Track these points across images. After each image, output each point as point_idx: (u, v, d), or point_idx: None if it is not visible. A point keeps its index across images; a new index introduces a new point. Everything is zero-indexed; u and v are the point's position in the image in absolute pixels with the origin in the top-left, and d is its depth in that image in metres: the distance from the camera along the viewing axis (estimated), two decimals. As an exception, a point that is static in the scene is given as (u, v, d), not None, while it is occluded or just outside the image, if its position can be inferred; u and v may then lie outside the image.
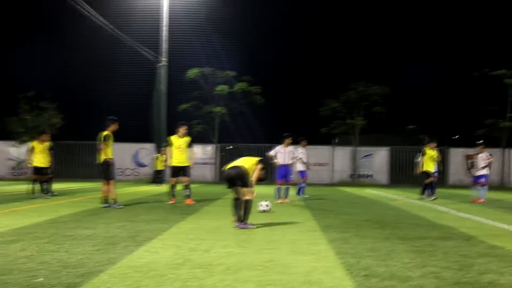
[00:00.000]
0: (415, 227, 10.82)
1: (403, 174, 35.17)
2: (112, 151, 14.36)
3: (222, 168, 10.52)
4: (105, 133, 14.23)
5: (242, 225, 9.98)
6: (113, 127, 14.40)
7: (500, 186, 32.47)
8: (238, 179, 10.06)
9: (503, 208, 16.20)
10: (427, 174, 19.71)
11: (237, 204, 10.13)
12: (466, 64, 41.09)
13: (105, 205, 14.12)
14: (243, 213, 10.06)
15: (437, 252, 7.71)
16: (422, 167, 19.83)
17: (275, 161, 17.47)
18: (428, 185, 19.86)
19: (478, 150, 18.78)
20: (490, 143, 21.73)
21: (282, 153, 17.37)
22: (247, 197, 10.05)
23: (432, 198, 19.25)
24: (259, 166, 10.30)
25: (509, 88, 34.57)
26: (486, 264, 6.87)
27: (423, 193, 20.21)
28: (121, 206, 14.08)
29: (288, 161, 17.44)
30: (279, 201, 16.95)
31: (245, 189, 10.05)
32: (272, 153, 17.79)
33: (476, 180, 18.86)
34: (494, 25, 44.21)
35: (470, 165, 19.65)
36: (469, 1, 48.11)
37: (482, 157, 18.51)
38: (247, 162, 10.30)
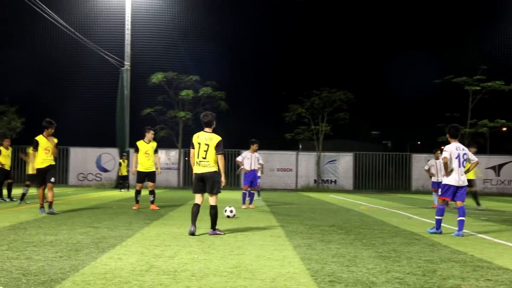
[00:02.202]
0: (379, 232, 10.91)
1: (367, 180, 35.53)
2: (44, 156, 13.77)
3: (194, 167, 10.00)
4: (37, 138, 13.83)
5: (212, 232, 9.90)
6: (49, 130, 13.86)
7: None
8: (210, 184, 9.83)
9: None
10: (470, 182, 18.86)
11: (195, 210, 9.94)
12: (429, 71, 41.75)
13: (50, 210, 13.66)
14: (212, 220, 9.95)
15: (401, 257, 7.78)
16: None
17: (242, 166, 17.50)
18: (473, 193, 18.67)
19: (434, 156, 19.12)
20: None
21: (249, 159, 17.41)
22: (213, 203, 9.95)
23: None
24: (221, 156, 9.96)
25: (470, 95, 35.25)
26: (449, 269, 6.96)
27: (478, 203, 18.84)
28: (45, 212, 13.56)
29: (255, 166, 17.47)
30: (244, 206, 16.94)
31: (214, 196, 9.95)
32: (239, 158, 17.85)
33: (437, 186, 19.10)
34: (454, 32, 45.06)
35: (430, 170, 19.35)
36: (429, 10, 48.93)
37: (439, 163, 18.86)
38: (213, 154, 9.86)
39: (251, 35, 49.51)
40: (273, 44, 57.30)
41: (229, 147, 35.10)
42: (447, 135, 11.21)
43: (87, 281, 5.82)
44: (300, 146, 46.63)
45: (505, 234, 11.20)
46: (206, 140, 9.92)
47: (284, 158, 34.86)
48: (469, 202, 20.52)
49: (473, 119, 35.45)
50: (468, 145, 18.92)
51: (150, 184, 15.90)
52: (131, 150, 17.81)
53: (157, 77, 34.27)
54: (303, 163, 35.38)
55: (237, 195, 25.29)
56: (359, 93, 38.96)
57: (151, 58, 35.88)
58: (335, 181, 35.37)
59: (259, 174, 20.79)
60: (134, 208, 15.48)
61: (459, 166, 10.75)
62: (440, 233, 10.72)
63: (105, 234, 9.74)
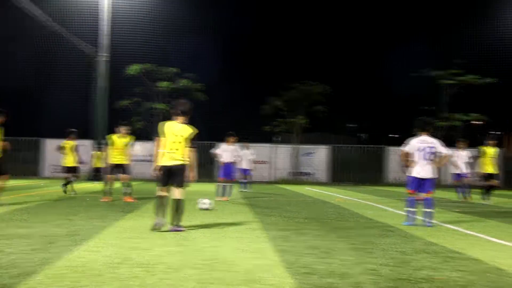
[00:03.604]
0: (354, 224, 11.01)
1: (343, 172, 35.73)
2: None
3: (162, 160, 9.34)
4: None
5: (172, 228, 9.22)
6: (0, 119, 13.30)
7: (436, 185, 33.38)
8: (177, 177, 9.28)
9: (437, 205, 16.66)
10: (489, 175, 18.21)
11: (164, 203, 9.31)
12: (406, 65, 42.05)
13: None
14: (176, 214, 9.29)
15: (375, 249, 7.86)
16: (481, 168, 18.24)
17: (220, 159, 17.54)
18: (488, 186, 18.32)
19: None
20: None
21: (226, 151, 17.46)
22: (180, 197, 9.38)
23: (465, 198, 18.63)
24: (194, 150, 9.47)
25: (445, 89, 35.62)
26: (422, 260, 7.05)
27: (484, 197, 18.39)
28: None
29: (232, 159, 17.53)
30: (218, 198, 16.92)
31: (181, 189, 9.38)
32: (217, 151, 17.89)
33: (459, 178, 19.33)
34: (430, 27, 45.43)
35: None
36: (406, 4, 49.26)
37: None
38: (185, 147, 9.33)
39: (230, 27, 49.34)
40: (251, 37, 57.19)
41: (206, 140, 35.03)
42: (416, 128, 11.30)
43: (60, 274, 5.78)
44: (277, 139, 46.69)
45: (476, 225, 11.37)
46: (180, 131, 9.32)
47: (261, 150, 34.86)
48: (435, 193, 20.71)
49: (447, 113, 35.85)
50: (457, 140, 19.20)
51: (124, 176, 15.80)
52: (109, 142, 17.65)
53: (134, 69, 34.04)
54: (280, 156, 35.45)
55: (212, 187, 25.26)
56: (337, 86, 39.10)
57: (129, 50, 35.64)
58: (311, 174, 35.51)
59: (249, 166, 21.37)
60: (105, 200, 15.35)
61: (422, 159, 10.85)
62: (412, 225, 10.80)
63: (79, 226, 9.67)
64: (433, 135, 11.52)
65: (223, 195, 17.18)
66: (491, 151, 18.19)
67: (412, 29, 49.34)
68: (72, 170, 18.82)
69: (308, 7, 57.21)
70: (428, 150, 10.90)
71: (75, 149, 18.98)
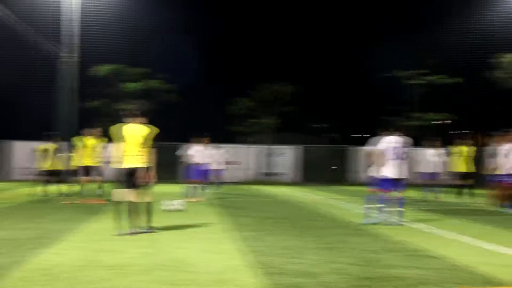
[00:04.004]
0: (325, 224, 11.08)
1: (315, 173, 35.91)
2: None
3: (123, 161, 9.18)
4: None
5: (145, 230, 9.18)
6: None
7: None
8: (141, 179, 9.13)
9: (406, 205, 16.85)
10: (466, 174, 18.33)
11: (134, 209, 9.12)
12: (376, 64, 42.46)
13: None
14: (146, 217, 9.24)
15: (345, 248, 7.93)
16: (456, 167, 18.31)
17: (192, 160, 17.50)
18: (461, 185, 18.39)
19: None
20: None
21: (200, 152, 17.43)
22: (148, 199, 9.31)
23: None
24: (152, 149, 9.27)
25: (414, 89, 36.06)
26: (392, 259, 7.14)
27: (469, 196, 18.32)
28: None
29: (206, 160, 17.51)
30: (190, 199, 16.87)
31: (145, 190, 9.26)
32: (191, 152, 17.81)
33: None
34: (399, 27, 45.94)
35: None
36: (375, 4, 49.73)
37: None
38: (146, 147, 9.17)
39: (201, 27, 49.19)
40: (223, 37, 57.14)
41: (178, 141, 34.87)
42: (386, 128, 11.38)
43: (28, 278, 5.72)
44: (250, 139, 46.76)
45: (444, 224, 11.53)
46: (138, 132, 9.18)
47: (233, 151, 34.83)
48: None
49: (417, 112, 36.28)
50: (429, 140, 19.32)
51: (97, 178, 15.75)
52: (77, 144, 17.60)
53: (103, 69, 33.73)
54: (252, 156, 35.49)
55: (182, 188, 25.14)
56: (308, 87, 39.28)
57: (98, 50, 35.24)
58: (283, 174, 35.62)
59: (221, 167, 21.32)
60: (78, 202, 15.23)
61: (393, 159, 10.97)
62: (379, 223, 10.88)
63: (47, 229, 9.56)
64: (402, 134, 11.64)
65: (196, 196, 17.14)
66: (465, 150, 18.32)
67: (381, 30, 49.85)
68: (53, 173, 18.52)
69: (277, 8, 57.38)
70: (399, 149, 11.01)
71: (56, 152, 18.67)
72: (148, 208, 9.27)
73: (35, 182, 18.39)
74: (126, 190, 9.18)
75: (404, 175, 11.11)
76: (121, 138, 9.16)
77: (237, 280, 5.81)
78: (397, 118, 35.26)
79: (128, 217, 9.11)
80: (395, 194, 11.12)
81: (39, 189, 18.24)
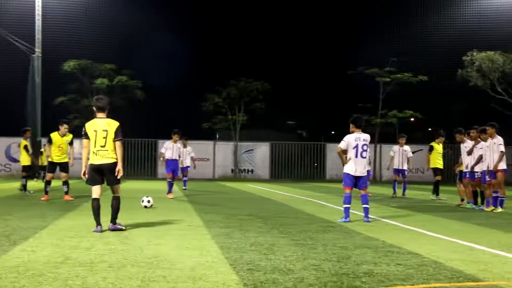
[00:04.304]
0: (295, 220, 11.13)
1: (283, 169, 36.04)
2: None
3: (90, 157, 9.03)
4: None
5: (112, 227, 8.98)
6: None
7: (373, 180, 34.11)
8: (109, 175, 8.97)
9: (375, 201, 17.07)
10: (438, 171, 18.52)
11: (98, 206, 8.96)
12: (343, 62, 42.82)
13: None
14: (113, 212, 9.03)
15: (317, 244, 7.98)
16: (430, 163, 18.55)
17: (164, 156, 17.48)
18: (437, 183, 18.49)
19: None
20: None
21: (170, 149, 17.42)
22: (117, 194, 9.17)
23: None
24: (120, 143, 9.08)
25: (380, 86, 36.45)
26: (362, 255, 7.21)
27: (437, 193, 18.43)
28: None
29: (176, 156, 17.51)
30: (171, 196, 16.83)
31: (116, 186, 9.12)
32: (162, 150, 17.89)
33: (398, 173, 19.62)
34: (367, 25, 46.37)
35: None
36: (343, 2, 50.13)
37: None
38: (112, 142, 8.96)
39: (169, 23, 48.86)
40: (191, 33, 56.90)
41: (146, 137, 34.70)
42: (351, 125, 11.46)
43: (-2, 275, 5.62)
44: (217, 136, 46.69)
45: (413, 220, 11.70)
46: (104, 127, 8.94)
47: (201, 147, 34.74)
48: (372, 189, 21.14)
49: (383, 110, 36.70)
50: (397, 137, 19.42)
51: (63, 174, 15.59)
52: (43, 140, 17.44)
53: (69, 65, 33.29)
54: (220, 153, 35.47)
55: (155, 185, 25.04)
56: (276, 83, 39.38)
57: (64, 45, 34.79)
58: (252, 171, 35.69)
59: (188, 164, 21.35)
60: (42, 199, 15.03)
61: (356, 156, 11.05)
62: (349, 221, 10.86)
63: (16, 226, 9.41)
64: (367, 131, 11.74)
65: (172, 192, 17.16)
66: (440, 147, 18.52)
67: (351, 28, 50.23)
68: (30, 168, 18.52)
69: (247, 6, 57.39)
70: (361, 147, 11.08)
71: (29, 147, 18.47)
72: (115, 205, 9.08)
73: (8, 177, 18.14)
74: (93, 186, 9.04)
75: (365, 172, 11.21)
76: (86, 137, 9.00)
77: (209, 276, 5.80)
78: (363, 116, 35.73)
79: (93, 214, 8.95)
80: (360, 191, 11.21)
81: (17, 184, 18.03)
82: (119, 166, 9.01)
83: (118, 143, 8.99)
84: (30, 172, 18.44)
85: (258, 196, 19.10)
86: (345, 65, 39.36)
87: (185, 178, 21.97)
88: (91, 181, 9.08)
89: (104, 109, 9.15)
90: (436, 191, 18.44)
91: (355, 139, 11.12)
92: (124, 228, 9.06)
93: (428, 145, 19.23)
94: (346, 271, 6.15)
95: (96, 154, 8.93)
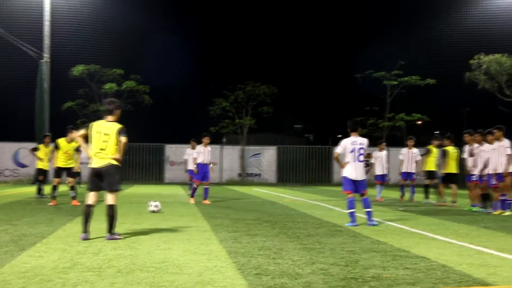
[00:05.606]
0: (303, 225, 11.11)
1: (290, 173, 35.99)
2: None
3: (90, 161, 8.91)
4: None
5: (110, 237, 8.66)
6: None
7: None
8: (108, 179, 8.76)
9: (382, 205, 17.03)
10: (431, 174, 18.29)
11: (90, 212, 8.77)
12: (350, 65, 42.82)
13: None
14: (110, 222, 8.74)
15: (325, 248, 7.97)
16: (424, 166, 18.28)
17: (196, 161, 17.01)
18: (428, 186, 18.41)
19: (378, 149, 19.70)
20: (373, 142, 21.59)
21: (202, 153, 17.04)
22: (112, 202, 8.84)
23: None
24: (124, 138, 8.76)
25: (388, 89, 36.39)
26: (370, 259, 7.19)
27: (427, 197, 18.32)
28: None
29: (207, 160, 17.00)
30: (193, 201, 16.67)
31: (113, 193, 8.87)
32: (194, 155, 17.39)
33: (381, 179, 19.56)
34: (375, 28, 46.39)
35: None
36: (351, 6, 50.13)
37: (384, 156, 19.54)
38: (113, 144, 8.76)
39: (176, 28, 49.08)
40: (199, 37, 57.04)
41: (154, 141, 34.77)
42: (347, 129, 11.43)
43: (6, 281, 5.64)
44: (224, 140, 46.71)
45: (421, 223, 11.65)
46: (106, 130, 8.74)
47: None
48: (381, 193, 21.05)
49: (391, 113, 36.63)
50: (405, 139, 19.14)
51: (69, 179, 15.72)
52: (52, 144, 17.55)
53: (78, 70, 33.39)
54: (227, 157, 35.44)
55: (162, 189, 25.08)
56: (283, 87, 39.42)
57: (72, 50, 34.89)
58: (259, 175, 35.64)
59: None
60: (50, 204, 15.09)
61: (354, 160, 11.03)
62: (356, 225, 10.84)
63: (24, 231, 9.45)
64: (373, 135, 11.72)
65: (203, 197, 16.91)
66: (436, 151, 18.10)
67: (358, 31, 50.22)
68: (46, 173, 18.67)
69: (255, 10, 57.47)
70: (358, 151, 11.05)
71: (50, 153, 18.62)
72: (111, 213, 8.77)
73: (17, 182, 18.26)
74: (94, 192, 8.86)
75: (363, 176, 11.19)
76: (91, 134, 8.82)
77: (217, 281, 5.80)
78: (366, 119, 35.62)
79: (82, 220, 8.76)
80: (359, 195, 11.19)
81: (34, 189, 18.17)
82: (117, 156, 8.77)
83: (123, 138, 8.73)
84: (45, 177, 18.55)
85: (265, 200, 19.08)
86: (352, 69, 39.36)
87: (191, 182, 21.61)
88: (89, 186, 8.93)
89: (111, 112, 8.94)
90: (424, 193, 18.41)
91: (352, 143, 11.10)
92: (121, 238, 8.73)
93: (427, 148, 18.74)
94: (354, 275, 6.14)
95: (95, 157, 8.77)
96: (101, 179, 8.78)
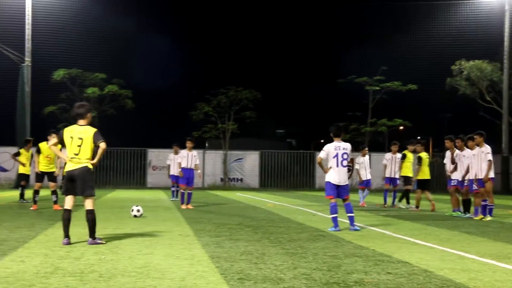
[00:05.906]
0: (285, 229, 11.12)
1: (273, 178, 36.02)
2: None
3: (66, 167, 8.75)
4: None
5: (91, 242, 8.56)
6: None
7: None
8: (81, 184, 8.60)
9: (365, 210, 17.12)
10: (407, 179, 18.30)
11: (69, 217, 8.67)
12: (333, 71, 43.03)
13: None
14: (89, 227, 8.63)
15: (307, 253, 7.98)
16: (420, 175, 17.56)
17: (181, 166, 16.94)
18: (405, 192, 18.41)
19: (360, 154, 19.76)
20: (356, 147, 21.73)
21: (185, 157, 16.93)
22: (89, 207, 8.69)
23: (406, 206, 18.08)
24: (103, 144, 8.65)
25: (370, 95, 36.64)
26: (353, 264, 7.22)
27: (407, 201, 18.31)
28: None
29: (191, 165, 16.89)
30: (184, 206, 16.60)
31: (89, 199, 8.69)
32: (179, 159, 17.27)
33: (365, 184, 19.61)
34: (356, 34, 46.66)
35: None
36: (332, 12, 50.37)
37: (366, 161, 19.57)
38: (88, 150, 8.68)
39: (159, 33, 48.96)
40: (182, 42, 56.97)
41: (136, 146, 34.63)
42: (331, 134, 11.48)
43: (-14, 286, 5.58)
44: (207, 145, 46.64)
45: (403, 228, 11.72)
46: (79, 134, 8.62)
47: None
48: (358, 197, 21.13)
49: (373, 118, 36.86)
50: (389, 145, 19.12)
51: (51, 184, 15.63)
52: (33, 149, 17.46)
53: (59, 74, 33.16)
54: (209, 162, 35.38)
55: (144, 194, 24.98)
56: (265, 92, 39.47)
57: (54, 54, 34.67)
58: (241, 179, 35.63)
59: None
60: (31, 208, 14.98)
61: (337, 165, 11.08)
62: (339, 230, 10.88)
63: (5, 236, 9.36)
64: (356, 140, 11.79)
65: (186, 202, 16.81)
66: (411, 156, 18.34)
67: (340, 37, 50.48)
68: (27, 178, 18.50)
69: (238, 15, 57.56)
70: (341, 156, 11.09)
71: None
72: (91, 217, 8.64)
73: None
74: (70, 197, 8.72)
75: (346, 181, 11.25)
76: (63, 139, 8.73)
77: (200, 286, 5.79)
78: (349, 124, 35.81)
79: (63, 225, 8.68)
80: (342, 200, 11.24)
81: (15, 193, 18.01)
82: (94, 161, 8.72)
83: (101, 144, 8.61)
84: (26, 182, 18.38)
85: (248, 205, 19.08)
86: (335, 74, 39.55)
87: (173, 188, 21.52)
88: (65, 190, 8.82)
89: (83, 116, 8.83)
90: (405, 198, 18.42)
91: (335, 148, 11.15)
92: (103, 242, 8.64)
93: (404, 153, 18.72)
94: (337, 280, 6.16)
95: (70, 161, 8.66)
96: (74, 184, 8.64)
